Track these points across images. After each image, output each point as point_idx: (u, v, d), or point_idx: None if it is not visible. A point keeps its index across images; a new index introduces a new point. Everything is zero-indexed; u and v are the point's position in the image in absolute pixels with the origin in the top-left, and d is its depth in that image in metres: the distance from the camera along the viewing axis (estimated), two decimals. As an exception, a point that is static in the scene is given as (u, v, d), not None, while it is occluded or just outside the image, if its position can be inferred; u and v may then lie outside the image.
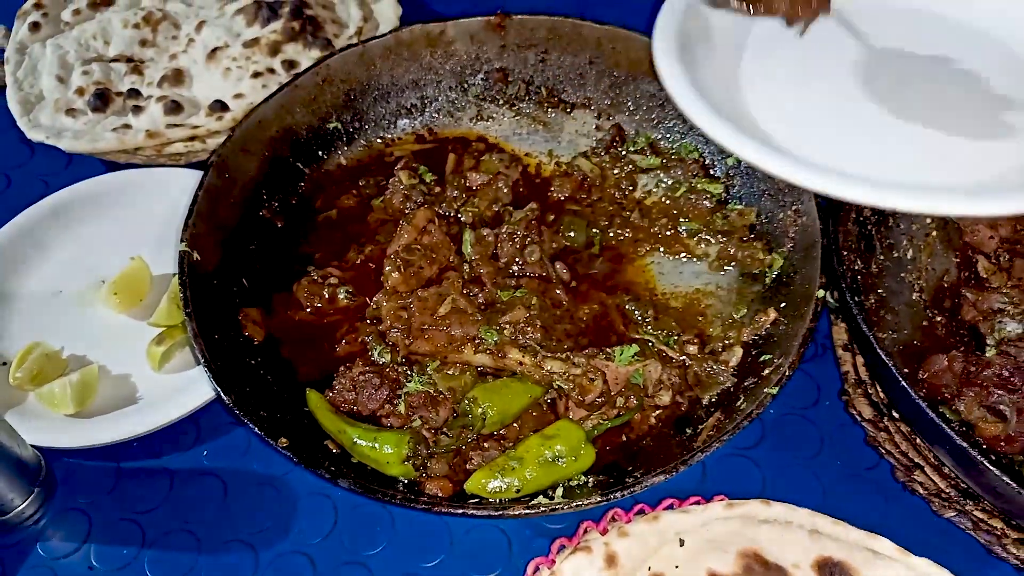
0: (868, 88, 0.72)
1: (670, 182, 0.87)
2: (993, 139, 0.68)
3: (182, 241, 0.72)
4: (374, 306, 0.77)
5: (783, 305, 0.72)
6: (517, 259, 0.82)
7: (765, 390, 0.63)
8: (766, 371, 0.66)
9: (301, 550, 0.71)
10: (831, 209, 0.73)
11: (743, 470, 0.75)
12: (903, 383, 0.61)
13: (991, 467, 0.57)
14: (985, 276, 0.81)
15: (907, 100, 0.71)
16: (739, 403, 0.65)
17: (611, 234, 0.86)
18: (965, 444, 0.58)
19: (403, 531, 0.71)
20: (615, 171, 0.90)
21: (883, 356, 0.62)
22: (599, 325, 0.79)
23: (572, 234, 0.85)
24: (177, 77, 1.05)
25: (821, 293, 0.67)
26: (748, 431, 0.76)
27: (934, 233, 0.83)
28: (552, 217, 0.87)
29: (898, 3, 0.80)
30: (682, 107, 0.67)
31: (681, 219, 0.84)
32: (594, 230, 0.86)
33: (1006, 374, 0.68)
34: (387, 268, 0.77)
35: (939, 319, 0.80)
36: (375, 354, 0.73)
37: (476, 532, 0.70)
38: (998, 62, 0.74)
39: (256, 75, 1.01)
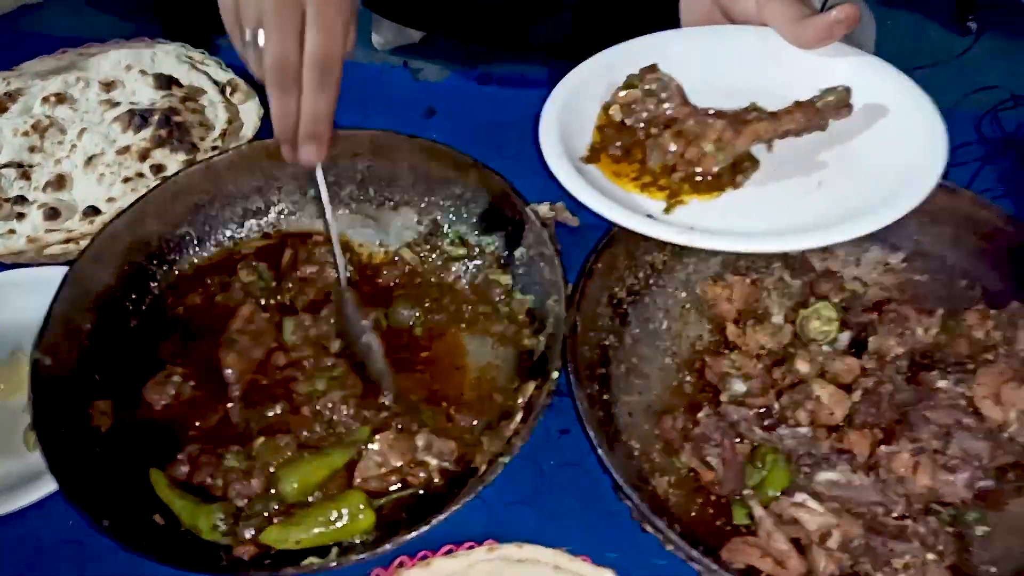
0: None
1: (474, 271, 1.03)
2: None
3: (35, 349, 0.87)
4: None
5: (539, 380, 0.87)
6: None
7: (500, 458, 0.79)
8: (511, 438, 0.82)
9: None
10: (573, 299, 0.89)
11: (522, 516, 0.90)
12: (600, 454, 0.77)
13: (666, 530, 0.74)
14: (732, 339, 0.98)
15: None
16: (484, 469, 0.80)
17: (429, 316, 1.01)
18: (639, 503, 0.74)
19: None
20: (432, 260, 1.05)
21: (588, 432, 0.78)
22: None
23: (405, 312, 1.01)
24: (60, 182, 1.19)
25: (556, 375, 0.83)
26: (528, 480, 0.92)
27: (687, 306, 1.00)
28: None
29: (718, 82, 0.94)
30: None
31: (480, 303, 1.00)
32: (416, 312, 1.01)
33: (708, 432, 0.85)
34: (221, 354, 0.94)
35: (688, 379, 0.96)
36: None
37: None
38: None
39: (126, 180, 1.16)
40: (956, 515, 0.82)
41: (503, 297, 0.98)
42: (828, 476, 0.84)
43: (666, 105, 0.84)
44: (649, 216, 0.81)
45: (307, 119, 0.82)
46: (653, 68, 0.87)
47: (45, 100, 1.28)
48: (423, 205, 1.08)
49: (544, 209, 1.09)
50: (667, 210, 0.81)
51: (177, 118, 1.22)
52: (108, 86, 1.30)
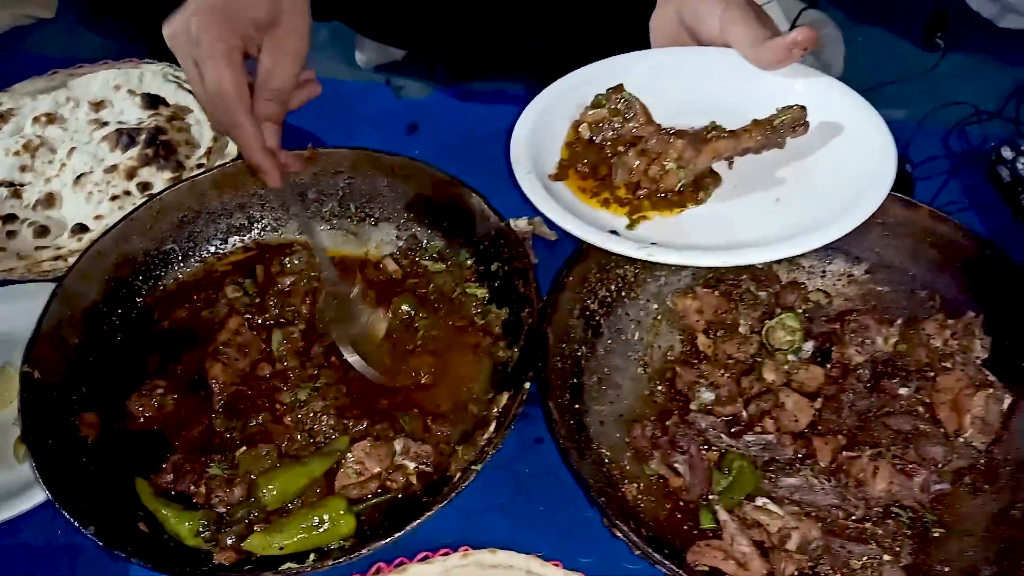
0: None
1: (452, 285, 1.06)
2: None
3: (24, 363, 0.89)
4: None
5: (512, 391, 0.90)
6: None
7: (471, 466, 0.82)
8: (484, 447, 0.85)
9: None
10: (545, 312, 0.92)
11: (497, 522, 0.93)
12: (569, 461, 0.80)
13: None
14: (703, 350, 1.01)
15: None
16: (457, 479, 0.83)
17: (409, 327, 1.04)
18: (603, 506, 0.77)
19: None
20: (411, 273, 1.08)
21: (558, 441, 0.81)
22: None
23: (406, 307, 1.03)
24: (49, 200, 1.22)
25: (527, 386, 0.86)
26: (504, 488, 0.95)
27: (659, 317, 1.03)
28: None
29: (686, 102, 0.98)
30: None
31: (459, 316, 1.03)
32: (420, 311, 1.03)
33: (675, 440, 0.88)
34: (207, 365, 0.97)
35: (660, 388, 0.99)
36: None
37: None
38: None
39: (114, 198, 1.19)
40: (915, 518, 0.85)
41: (479, 310, 1.01)
42: (790, 481, 0.87)
43: (631, 124, 0.88)
44: (613, 232, 0.84)
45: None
46: (619, 88, 0.90)
47: (36, 120, 1.31)
48: (402, 221, 1.11)
49: (522, 224, 1.13)
50: (631, 226, 0.85)
51: (164, 137, 1.25)
52: (97, 106, 1.33)
